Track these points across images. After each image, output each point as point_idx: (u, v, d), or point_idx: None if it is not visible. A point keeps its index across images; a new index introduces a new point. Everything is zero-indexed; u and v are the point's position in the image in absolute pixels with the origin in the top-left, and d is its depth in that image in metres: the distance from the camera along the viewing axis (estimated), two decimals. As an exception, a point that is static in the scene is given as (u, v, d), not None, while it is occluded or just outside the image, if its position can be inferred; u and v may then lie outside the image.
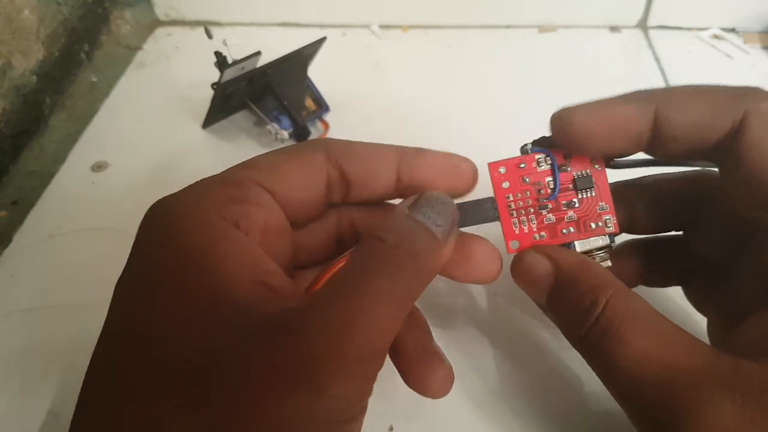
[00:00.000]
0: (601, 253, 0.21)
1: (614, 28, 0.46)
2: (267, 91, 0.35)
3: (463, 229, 0.21)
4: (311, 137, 0.35)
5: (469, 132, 0.37)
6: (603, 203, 0.21)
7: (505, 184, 0.21)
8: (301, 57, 0.35)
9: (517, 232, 0.21)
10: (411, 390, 0.24)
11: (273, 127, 0.34)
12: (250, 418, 0.14)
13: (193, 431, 0.14)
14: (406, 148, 0.21)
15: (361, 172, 0.20)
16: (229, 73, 0.32)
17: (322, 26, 0.45)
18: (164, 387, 0.15)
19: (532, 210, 0.21)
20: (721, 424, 0.15)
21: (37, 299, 0.27)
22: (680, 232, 0.24)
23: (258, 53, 0.34)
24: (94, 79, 0.41)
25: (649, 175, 0.23)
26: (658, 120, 0.19)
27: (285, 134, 0.34)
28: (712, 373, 0.16)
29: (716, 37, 0.45)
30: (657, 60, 0.43)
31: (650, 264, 0.24)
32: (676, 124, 0.19)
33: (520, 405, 0.24)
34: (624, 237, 0.24)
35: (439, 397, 0.20)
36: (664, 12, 0.45)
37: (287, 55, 0.34)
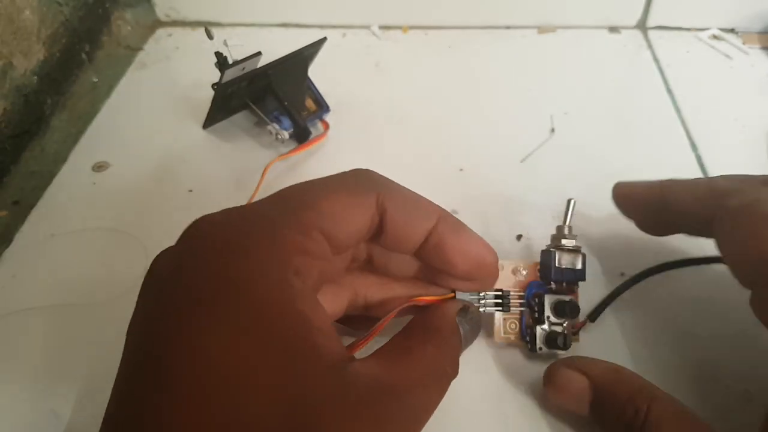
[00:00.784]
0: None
1: (613, 29, 0.46)
2: (267, 91, 0.35)
3: None
4: (311, 137, 0.35)
5: (468, 132, 0.37)
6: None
7: None
8: (302, 57, 0.35)
9: None
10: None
11: (273, 127, 0.34)
12: None
13: None
14: (447, 216, 0.21)
15: (398, 226, 0.20)
16: (230, 74, 0.32)
17: (322, 27, 0.45)
18: None
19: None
20: None
21: (37, 299, 0.27)
22: None
23: (258, 54, 0.34)
24: (95, 80, 0.42)
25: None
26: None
27: (285, 134, 0.34)
28: None
29: (715, 37, 0.45)
30: (656, 60, 0.43)
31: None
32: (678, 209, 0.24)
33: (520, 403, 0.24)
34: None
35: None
36: (663, 12, 0.45)
37: (288, 55, 0.34)
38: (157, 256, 0.18)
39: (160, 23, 0.47)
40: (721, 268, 0.24)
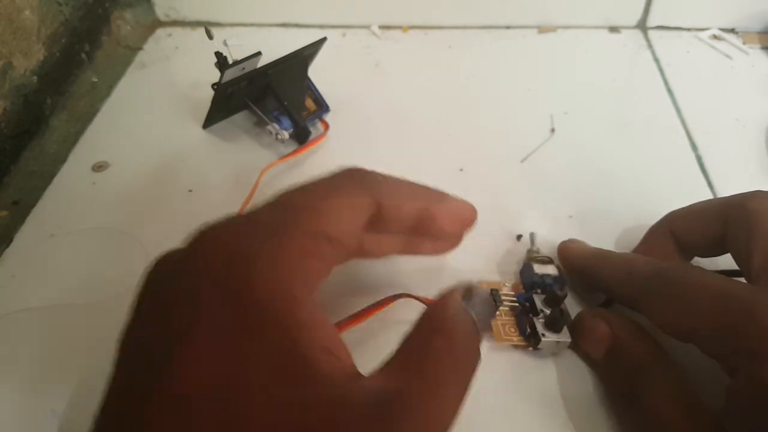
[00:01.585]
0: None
1: (614, 29, 0.46)
2: (267, 91, 0.35)
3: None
4: (311, 138, 0.35)
5: (468, 132, 0.37)
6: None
7: None
8: (302, 57, 0.35)
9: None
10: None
11: (273, 127, 0.34)
12: None
13: None
14: (431, 191, 0.23)
15: (392, 213, 0.21)
16: (230, 74, 0.32)
17: (322, 27, 0.45)
18: None
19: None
20: None
21: (37, 299, 0.27)
22: None
23: (258, 54, 0.34)
24: (95, 80, 0.42)
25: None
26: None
27: (285, 134, 0.34)
28: None
29: (715, 37, 0.45)
30: (656, 60, 0.43)
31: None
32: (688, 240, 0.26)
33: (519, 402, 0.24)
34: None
35: None
36: (663, 12, 0.45)
37: (287, 55, 0.34)
38: (158, 259, 0.18)
39: (159, 23, 0.47)
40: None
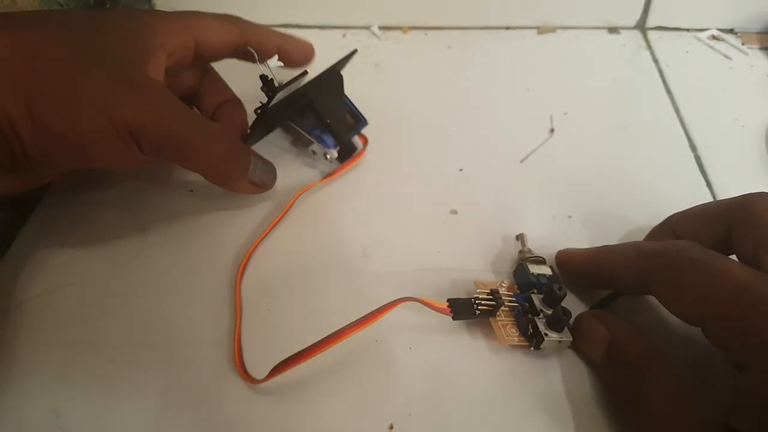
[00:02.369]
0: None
1: (613, 29, 0.46)
2: (307, 110, 0.32)
3: None
4: (355, 153, 0.34)
5: (468, 132, 0.37)
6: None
7: None
8: (338, 73, 0.34)
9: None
10: (411, 389, 0.24)
11: (318, 147, 0.33)
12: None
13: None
14: (286, 35, 0.33)
15: (257, 47, 0.31)
16: (277, 97, 0.30)
17: (322, 27, 0.46)
18: None
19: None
20: None
21: (37, 298, 0.28)
22: None
23: (305, 73, 0.33)
24: (95, 80, 0.42)
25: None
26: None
27: (335, 153, 0.32)
28: None
29: (715, 38, 0.45)
30: (655, 61, 0.43)
31: None
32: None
33: (519, 402, 0.24)
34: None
35: None
36: (662, 13, 0.45)
37: (324, 72, 0.32)
38: None
39: (160, 24, 0.47)
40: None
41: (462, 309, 0.25)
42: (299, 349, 0.23)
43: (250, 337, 0.26)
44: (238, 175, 0.28)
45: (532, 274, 0.26)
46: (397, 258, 0.29)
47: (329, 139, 0.32)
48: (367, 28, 0.46)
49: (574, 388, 0.25)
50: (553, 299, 0.25)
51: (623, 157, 0.35)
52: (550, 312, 0.25)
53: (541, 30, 0.46)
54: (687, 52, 0.44)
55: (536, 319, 0.25)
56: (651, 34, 0.45)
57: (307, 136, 0.33)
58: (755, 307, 0.19)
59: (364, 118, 0.35)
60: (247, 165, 0.28)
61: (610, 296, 0.27)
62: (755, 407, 0.19)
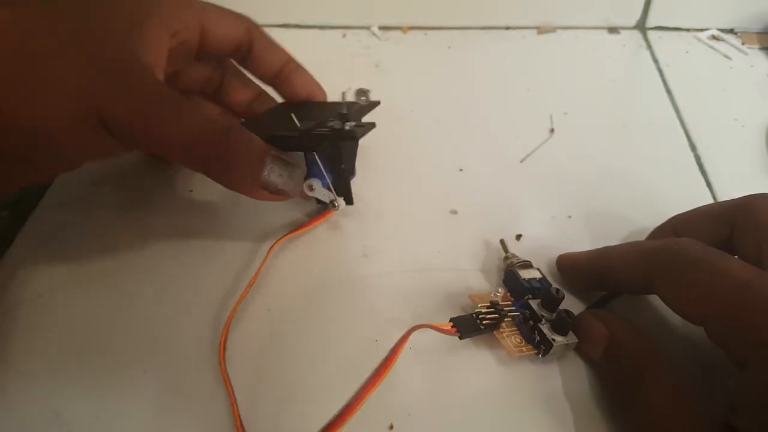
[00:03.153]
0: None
1: (613, 29, 0.46)
2: (333, 148, 0.28)
3: None
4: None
5: (468, 132, 0.37)
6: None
7: None
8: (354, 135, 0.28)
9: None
10: (410, 389, 0.24)
11: (321, 187, 0.28)
12: None
13: None
14: (294, 60, 0.31)
15: (262, 53, 0.30)
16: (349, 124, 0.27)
17: (322, 27, 0.46)
18: None
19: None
20: None
21: (37, 298, 0.28)
22: None
23: (372, 125, 0.30)
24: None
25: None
26: None
27: (343, 203, 0.28)
28: None
29: (714, 37, 0.45)
30: (655, 61, 0.43)
31: None
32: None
33: (518, 401, 0.24)
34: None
35: None
36: (662, 13, 0.45)
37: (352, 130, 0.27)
38: None
39: (160, 24, 0.47)
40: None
41: (467, 327, 0.24)
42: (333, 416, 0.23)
43: (246, 339, 0.26)
44: (240, 172, 0.24)
45: (524, 279, 0.26)
46: (397, 258, 0.29)
47: (325, 183, 0.28)
48: (367, 28, 0.46)
49: (573, 387, 0.25)
50: (552, 303, 0.25)
51: (623, 157, 0.35)
52: (551, 316, 0.24)
53: (541, 30, 0.46)
54: (687, 52, 0.44)
55: (540, 325, 0.24)
56: (651, 34, 0.45)
57: (327, 175, 0.28)
58: (757, 305, 0.19)
59: (355, 170, 0.31)
60: (255, 163, 0.24)
61: (608, 296, 0.27)
62: (756, 406, 0.19)
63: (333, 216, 0.31)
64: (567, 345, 0.24)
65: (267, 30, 0.47)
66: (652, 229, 0.28)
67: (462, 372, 0.25)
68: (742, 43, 0.44)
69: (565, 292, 0.25)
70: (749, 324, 0.19)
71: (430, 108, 0.39)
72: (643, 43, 0.45)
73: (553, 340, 0.24)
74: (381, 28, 0.46)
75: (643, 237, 0.29)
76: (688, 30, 0.46)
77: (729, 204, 0.25)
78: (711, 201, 0.32)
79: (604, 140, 0.36)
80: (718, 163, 0.35)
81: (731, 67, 0.42)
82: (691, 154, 0.36)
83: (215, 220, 0.31)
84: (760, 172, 0.34)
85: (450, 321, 0.24)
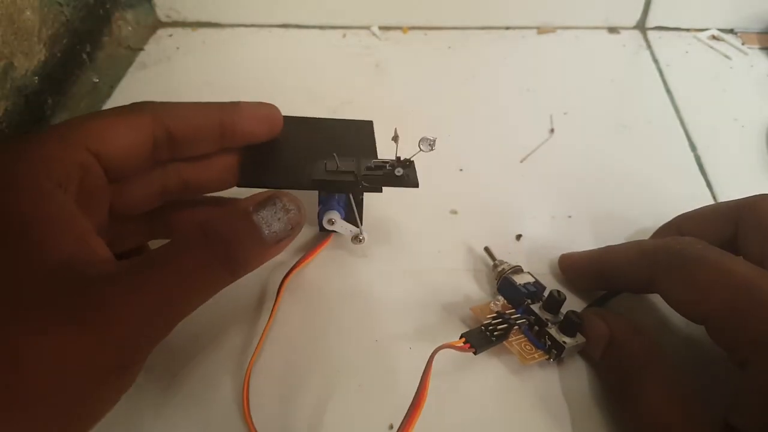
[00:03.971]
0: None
1: (613, 29, 0.46)
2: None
3: None
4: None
5: (468, 132, 0.37)
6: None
7: None
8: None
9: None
10: (411, 388, 0.24)
11: (342, 222, 0.28)
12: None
13: None
14: (224, 104, 0.24)
15: (188, 131, 0.23)
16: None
17: (322, 27, 0.46)
18: None
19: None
20: None
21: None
22: None
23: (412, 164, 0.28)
24: (96, 80, 0.42)
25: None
26: None
27: (366, 237, 0.28)
28: None
29: (714, 37, 0.45)
30: (655, 61, 0.43)
31: None
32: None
33: (519, 402, 0.24)
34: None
35: None
36: (662, 13, 0.45)
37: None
38: None
39: (160, 24, 0.47)
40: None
41: (479, 341, 0.24)
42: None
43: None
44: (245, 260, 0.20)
45: (521, 285, 0.26)
46: (397, 257, 0.29)
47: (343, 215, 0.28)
48: (367, 28, 0.46)
49: (573, 387, 0.25)
50: (554, 305, 0.24)
51: (623, 157, 0.35)
52: (555, 318, 0.24)
53: (541, 30, 0.46)
54: (687, 52, 0.44)
55: (548, 329, 0.24)
56: (651, 34, 0.45)
57: (357, 214, 0.28)
58: (760, 305, 0.19)
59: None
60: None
61: (608, 294, 0.27)
62: (756, 405, 0.19)
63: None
64: (576, 346, 0.24)
65: (267, 30, 0.47)
66: (652, 229, 0.28)
67: (461, 372, 0.25)
68: (742, 43, 0.44)
69: (566, 294, 0.25)
70: (751, 324, 0.19)
71: (430, 108, 0.39)
72: (643, 43, 0.45)
73: (564, 342, 0.24)
74: (381, 28, 0.46)
75: (643, 237, 0.29)
76: (688, 30, 0.46)
77: (734, 204, 0.25)
78: (711, 201, 0.33)
79: (604, 140, 0.36)
80: (718, 163, 0.35)
81: (731, 67, 0.42)
82: (691, 154, 0.36)
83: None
84: (760, 172, 0.34)
85: (461, 337, 0.24)
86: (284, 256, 0.28)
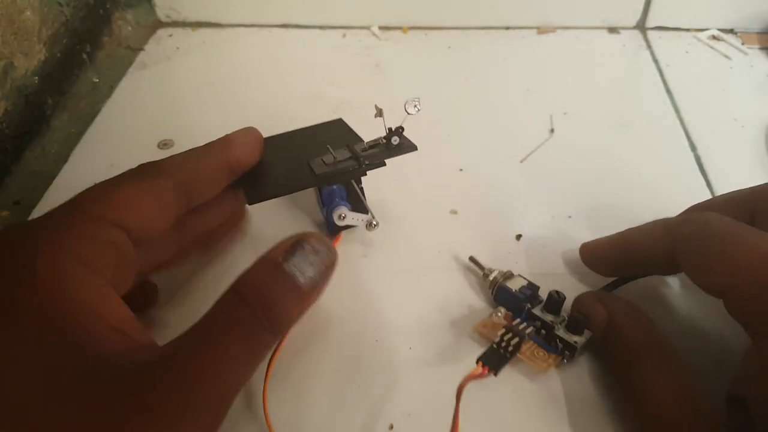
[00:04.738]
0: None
1: (613, 29, 0.46)
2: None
3: None
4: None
5: (468, 132, 0.37)
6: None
7: None
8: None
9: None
10: (411, 389, 0.24)
11: (365, 216, 0.28)
12: None
13: None
14: (222, 142, 0.25)
15: (205, 182, 0.23)
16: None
17: (322, 27, 0.46)
18: None
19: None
20: None
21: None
22: None
23: (415, 148, 0.29)
24: (96, 80, 0.42)
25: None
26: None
27: (378, 222, 0.28)
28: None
29: (714, 37, 0.45)
30: (655, 61, 0.43)
31: None
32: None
33: (518, 402, 0.24)
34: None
35: None
36: (662, 13, 0.45)
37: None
38: None
39: (160, 24, 0.47)
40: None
41: (496, 362, 0.23)
42: None
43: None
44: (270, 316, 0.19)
45: (517, 291, 0.26)
46: (398, 257, 0.29)
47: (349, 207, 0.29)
48: (367, 28, 0.46)
49: (573, 387, 0.25)
50: (555, 306, 0.24)
51: (623, 156, 0.35)
52: (558, 319, 0.24)
53: (541, 30, 0.46)
54: (687, 52, 0.44)
55: (556, 331, 0.24)
56: (651, 34, 0.45)
57: (364, 200, 0.28)
58: None
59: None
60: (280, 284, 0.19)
61: (617, 281, 0.27)
62: (765, 376, 0.19)
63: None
64: (586, 343, 0.24)
65: (267, 30, 0.47)
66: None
67: (461, 372, 0.25)
68: (742, 43, 0.44)
69: (565, 295, 0.25)
70: None
71: (430, 108, 0.39)
72: (643, 43, 0.45)
73: (575, 342, 0.23)
74: (381, 28, 0.46)
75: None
76: (688, 30, 0.46)
77: (749, 191, 0.25)
78: (711, 201, 0.32)
79: (604, 140, 0.36)
80: (718, 163, 0.35)
81: (731, 67, 0.42)
82: (691, 154, 0.36)
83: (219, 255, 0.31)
84: (760, 172, 0.34)
85: (478, 361, 0.23)
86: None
